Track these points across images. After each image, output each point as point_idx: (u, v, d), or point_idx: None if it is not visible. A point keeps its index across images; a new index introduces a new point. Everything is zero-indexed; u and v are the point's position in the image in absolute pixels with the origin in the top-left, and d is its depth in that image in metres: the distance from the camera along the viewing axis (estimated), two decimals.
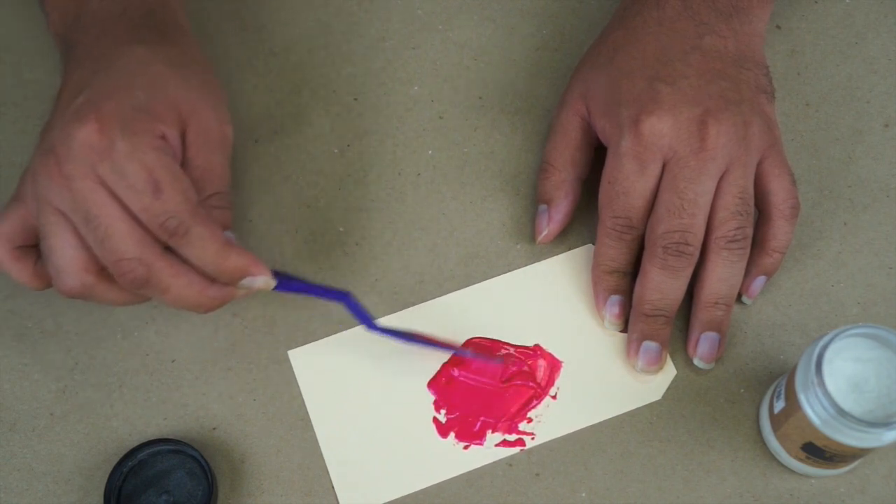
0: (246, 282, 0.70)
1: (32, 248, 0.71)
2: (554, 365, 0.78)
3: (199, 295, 0.69)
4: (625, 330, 0.78)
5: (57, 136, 0.68)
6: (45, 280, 0.71)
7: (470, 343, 0.78)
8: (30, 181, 0.69)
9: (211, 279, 0.69)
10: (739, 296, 0.78)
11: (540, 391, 0.77)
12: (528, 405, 0.77)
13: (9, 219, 0.70)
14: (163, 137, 0.69)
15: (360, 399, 0.77)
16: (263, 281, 0.71)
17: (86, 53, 0.73)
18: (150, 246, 0.67)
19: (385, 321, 0.79)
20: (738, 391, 0.77)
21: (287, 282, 0.72)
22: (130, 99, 0.69)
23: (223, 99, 0.75)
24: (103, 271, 0.68)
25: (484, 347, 0.78)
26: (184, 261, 0.69)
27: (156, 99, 0.70)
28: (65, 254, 0.68)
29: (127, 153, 0.67)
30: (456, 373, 0.78)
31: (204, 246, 0.68)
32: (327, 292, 0.74)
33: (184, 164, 0.71)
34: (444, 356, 0.78)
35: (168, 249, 0.68)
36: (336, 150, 0.84)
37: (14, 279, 0.71)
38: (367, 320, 0.75)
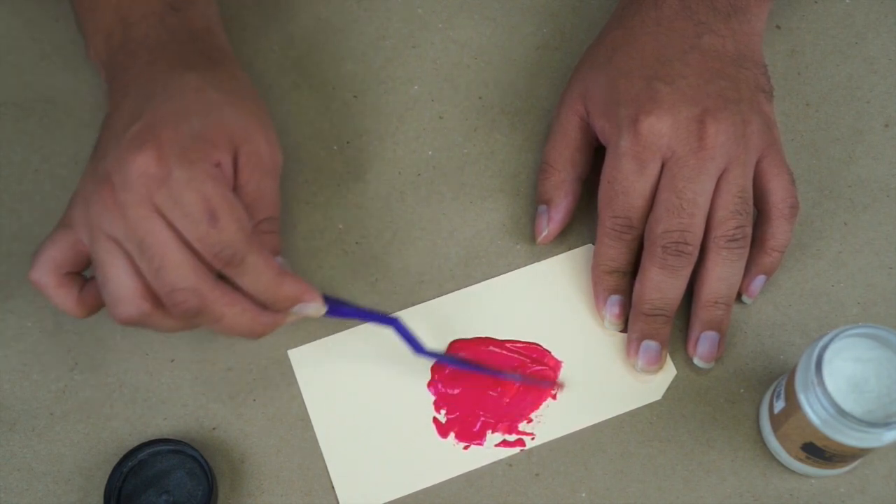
0: (297, 308, 0.70)
1: (77, 275, 0.70)
2: (554, 365, 0.78)
3: (252, 322, 0.69)
4: (625, 330, 0.78)
5: (112, 164, 0.67)
6: (89, 308, 0.70)
7: (484, 349, 0.79)
8: (80, 208, 0.69)
9: (262, 306, 0.69)
10: (739, 295, 0.78)
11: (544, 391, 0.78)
12: (520, 411, 0.77)
13: (58, 244, 0.69)
14: (218, 165, 0.69)
15: (360, 399, 0.77)
16: (315, 308, 0.71)
17: (134, 79, 0.73)
18: (203, 276, 0.67)
19: None
20: (738, 391, 0.77)
21: (337, 307, 0.73)
22: (187, 126, 0.68)
23: (271, 124, 0.75)
24: (159, 299, 0.68)
25: (532, 373, 0.78)
26: (236, 288, 0.68)
27: (211, 126, 0.69)
28: (121, 282, 0.67)
29: (184, 182, 0.66)
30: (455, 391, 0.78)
31: (258, 274, 0.68)
32: (377, 317, 0.74)
33: (235, 189, 0.71)
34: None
35: (220, 277, 0.68)
36: (335, 147, 0.84)
37: (57, 307, 0.70)
38: (417, 345, 0.75)
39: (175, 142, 0.67)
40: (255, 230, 0.71)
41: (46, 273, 0.69)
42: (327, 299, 0.72)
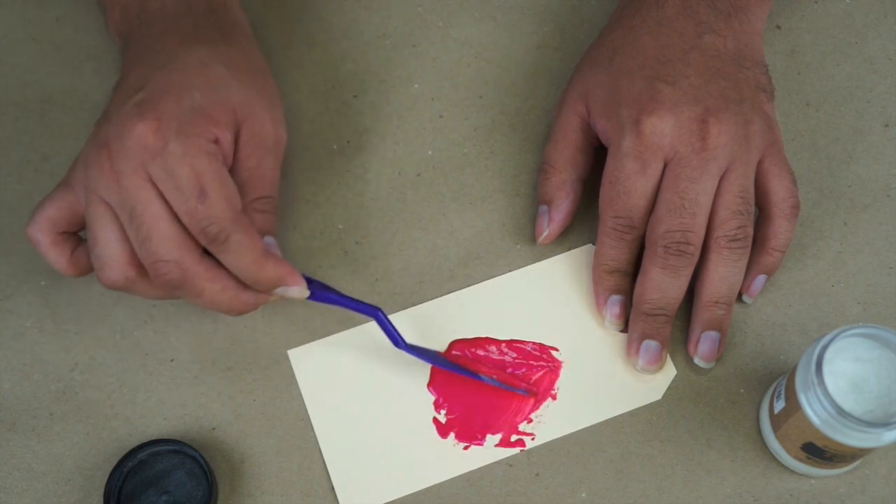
0: (280, 290, 0.71)
1: (73, 235, 0.71)
2: (554, 365, 0.78)
3: (232, 300, 0.70)
4: (625, 330, 0.78)
5: (112, 131, 0.68)
6: (81, 269, 0.72)
7: (479, 361, 0.79)
8: (81, 170, 0.70)
9: (245, 285, 0.70)
10: (740, 295, 0.78)
11: (531, 399, 0.77)
12: (520, 411, 0.77)
13: (55, 203, 0.70)
14: (215, 141, 0.69)
15: (360, 399, 0.77)
16: (297, 291, 0.72)
17: (146, 49, 0.74)
18: (188, 249, 0.68)
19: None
20: (738, 391, 0.77)
21: (320, 293, 0.73)
22: (188, 99, 0.69)
23: (279, 103, 0.75)
24: (144, 267, 0.69)
25: (507, 377, 0.78)
26: (220, 265, 0.69)
27: (213, 100, 0.70)
28: (109, 246, 0.69)
29: (178, 155, 0.67)
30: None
31: (242, 254, 0.69)
32: (359, 306, 0.74)
33: (234, 165, 0.71)
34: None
35: (206, 252, 0.69)
36: (335, 147, 0.84)
37: (50, 264, 0.71)
38: (397, 338, 0.75)
39: (174, 114, 0.68)
40: (249, 209, 0.71)
41: (42, 230, 0.71)
42: (311, 283, 0.72)
